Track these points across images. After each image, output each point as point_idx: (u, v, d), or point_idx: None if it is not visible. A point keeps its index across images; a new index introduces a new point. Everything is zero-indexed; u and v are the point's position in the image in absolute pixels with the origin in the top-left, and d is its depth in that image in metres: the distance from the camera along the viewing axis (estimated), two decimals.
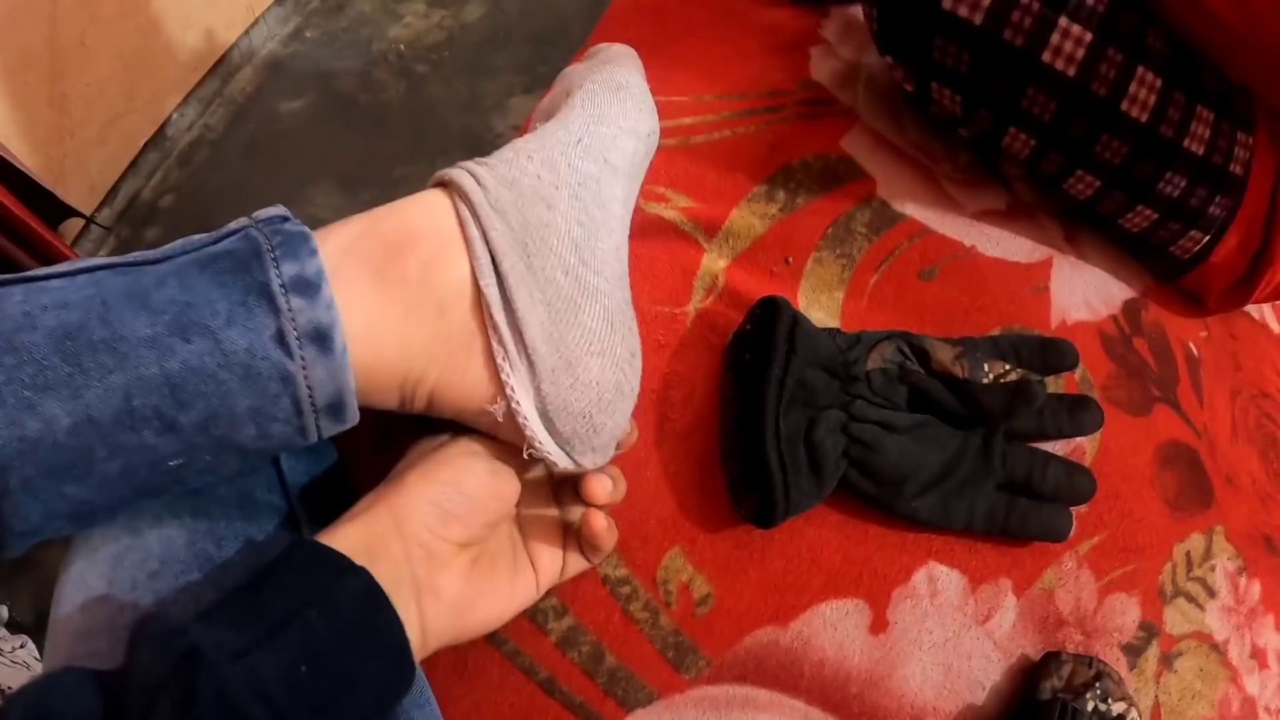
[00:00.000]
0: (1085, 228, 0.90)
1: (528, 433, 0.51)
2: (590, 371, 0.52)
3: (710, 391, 0.68)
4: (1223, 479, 0.82)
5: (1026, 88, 0.77)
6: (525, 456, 0.52)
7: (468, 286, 0.49)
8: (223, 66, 1.73)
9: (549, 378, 0.50)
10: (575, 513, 0.59)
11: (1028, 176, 0.90)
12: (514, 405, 0.50)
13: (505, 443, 0.53)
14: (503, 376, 0.49)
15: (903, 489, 0.65)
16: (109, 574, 0.45)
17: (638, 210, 0.73)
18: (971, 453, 0.67)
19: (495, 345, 0.49)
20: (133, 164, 1.63)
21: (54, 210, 1.42)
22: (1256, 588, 0.78)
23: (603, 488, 0.55)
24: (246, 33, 1.77)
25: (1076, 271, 0.89)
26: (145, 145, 1.64)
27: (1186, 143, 0.79)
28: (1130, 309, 0.89)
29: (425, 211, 0.50)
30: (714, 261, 0.74)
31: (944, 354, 0.69)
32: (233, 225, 0.45)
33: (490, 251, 0.49)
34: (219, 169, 1.62)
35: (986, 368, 0.70)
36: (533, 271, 0.50)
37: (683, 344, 0.69)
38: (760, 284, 0.74)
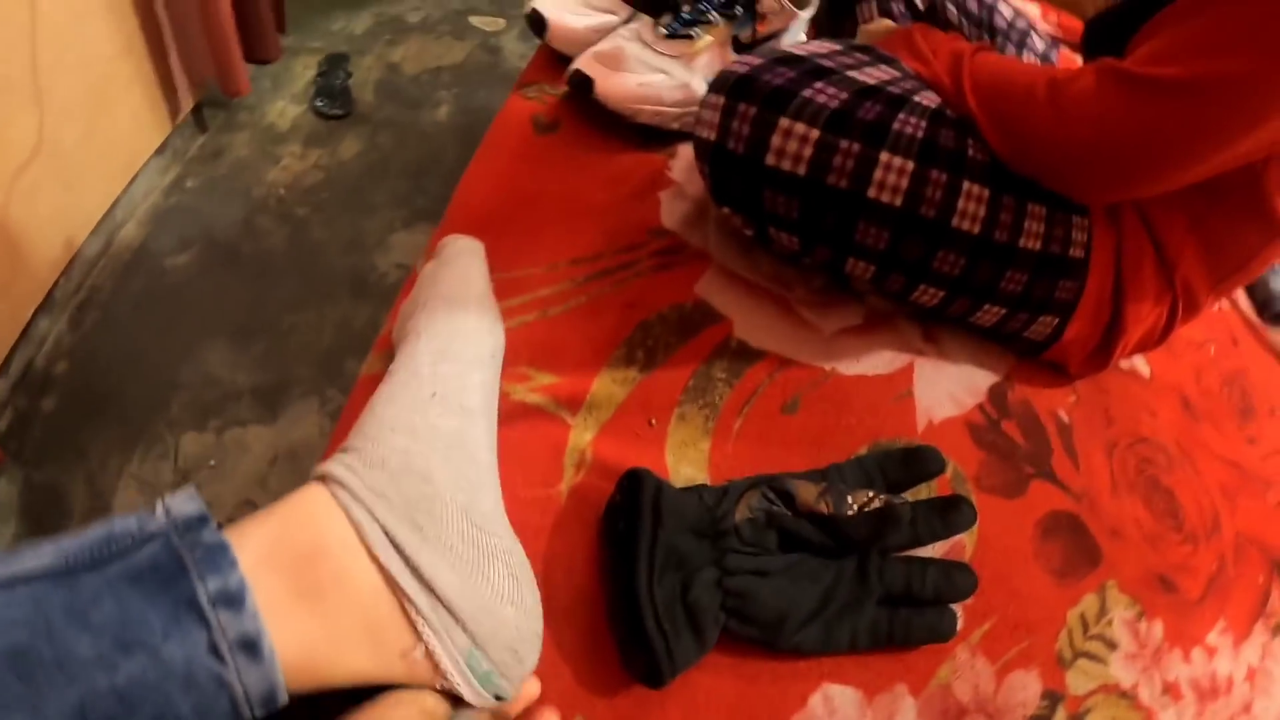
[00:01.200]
0: (944, 325, 0.95)
1: (444, 670, 0.53)
2: (508, 615, 0.57)
3: (591, 563, 0.70)
4: (1108, 534, 0.87)
5: (857, 223, 0.81)
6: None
7: (382, 582, 0.52)
8: (107, 223, 1.72)
9: (472, 620, 0.54)
10: None
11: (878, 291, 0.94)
12: (433, 649, 0.53)
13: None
14: (421, 631, 0.52)
15: (784, 628, 0.67)
16: None
17: (503, 398, 0.76)
18: (847, 578, 0.71)
19: (408, 606, 0.52)
20: (24, 333, 1.61)
21: None
22: (1158, 627, 0.82)
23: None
24: (128, 187, 1.75)
25: (939, 370, 0.93)
26: (35, 312, 1.63)
27: (1022, 242, 0.83)
28: (996, 393, 0.93)
29: (323, 518, 0.53)
30: (580, 436, 0.77)
31: (807, 494, 0.72)
32: (152, 526, 0.47)
33: (383, 533, 0.53)
34: (110, 331, 1.60)
35: (850, 499, 0.73)
36: (429, 541, 0.54)
37: (559, 524, 0.71)
38: (627, 451, 0.77)
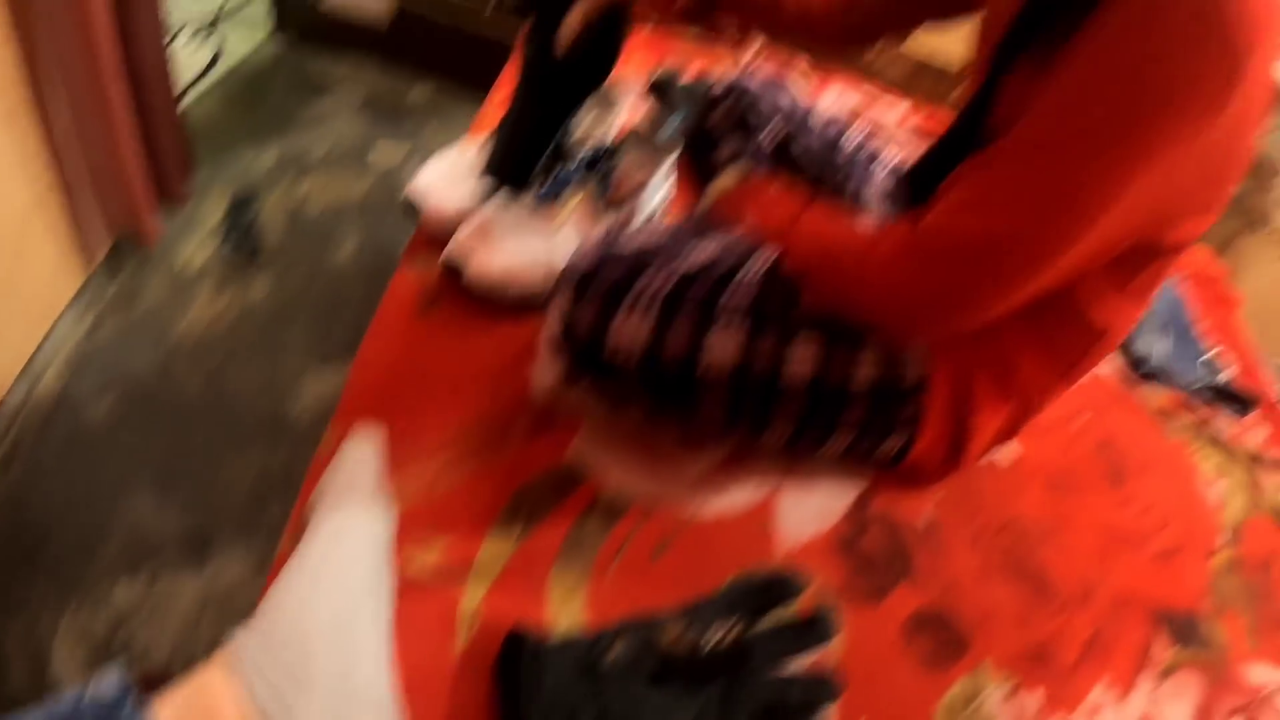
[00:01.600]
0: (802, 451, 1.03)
1: None
2: None
3: (492, 712, 0.78)
4: (976, 621, 0.95)
5: (696, 394, 0.92)
6: None
7: None
8: (28, 373, 1.74)
9: None
10: None
11: None
12: None
13: None
14: None
15: None
16: None
17: (402, 568, 0.85)
18: (715, 704, 0.79)
19: None
20: None
21: None
22: (1035, 697, 0.91)
23: None
24: (48, 334, 1.79)
25: (802, 494, 1.02)
26: None
27: (856, 381, 0.92)
28: (858, 506, 1.03)
29: (220, 683, 0.62)
30: (472, 598, 0.86)
31: (672, 632, 0.82)
32: (83, 706, 0.57)
33: (267, 695, 0.62)
34: (35, 481, 1.62)
35: (711, 632, 0.83)
36: (308, 701, 0.63)
37: (457, 683, 0.80)
38: (514, 607, 0.86)
